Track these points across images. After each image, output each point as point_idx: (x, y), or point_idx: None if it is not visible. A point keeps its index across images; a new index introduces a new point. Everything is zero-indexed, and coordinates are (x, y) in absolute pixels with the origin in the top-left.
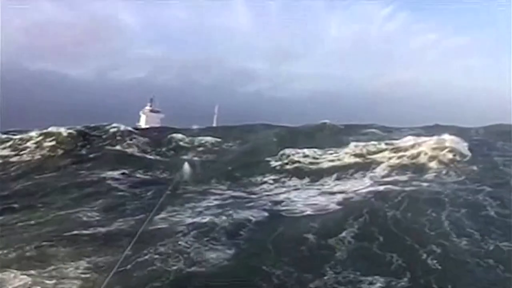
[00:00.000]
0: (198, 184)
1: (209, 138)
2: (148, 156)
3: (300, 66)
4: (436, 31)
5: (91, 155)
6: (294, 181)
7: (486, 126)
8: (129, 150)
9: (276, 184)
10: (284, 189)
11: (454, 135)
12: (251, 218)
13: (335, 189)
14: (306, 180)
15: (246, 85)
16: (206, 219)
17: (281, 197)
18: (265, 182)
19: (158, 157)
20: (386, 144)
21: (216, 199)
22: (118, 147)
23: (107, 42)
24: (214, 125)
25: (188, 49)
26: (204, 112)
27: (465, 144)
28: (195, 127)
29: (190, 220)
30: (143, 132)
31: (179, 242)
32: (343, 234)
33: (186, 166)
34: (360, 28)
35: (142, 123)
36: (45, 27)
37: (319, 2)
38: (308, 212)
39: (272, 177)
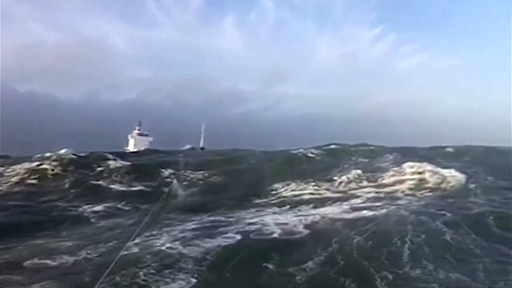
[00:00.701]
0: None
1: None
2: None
3: (290, 87)
4: (424, 52)
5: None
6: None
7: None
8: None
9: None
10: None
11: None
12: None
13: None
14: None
15: (236, 106)
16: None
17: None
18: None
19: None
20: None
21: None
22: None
23: (97, 64)
24: (201, 145)
25: (178, 70)
26: (194, 132)
27: None
28: (187, 146)
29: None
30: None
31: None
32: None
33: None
34: (349, 49)
35: (131, 147)
36: (35, 49)
37: (309, 24)
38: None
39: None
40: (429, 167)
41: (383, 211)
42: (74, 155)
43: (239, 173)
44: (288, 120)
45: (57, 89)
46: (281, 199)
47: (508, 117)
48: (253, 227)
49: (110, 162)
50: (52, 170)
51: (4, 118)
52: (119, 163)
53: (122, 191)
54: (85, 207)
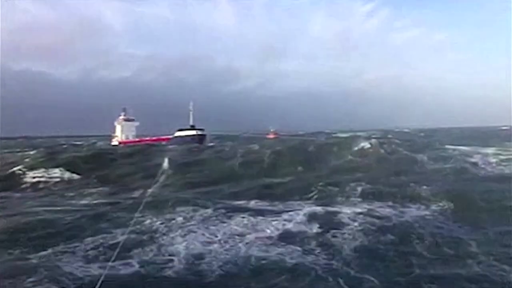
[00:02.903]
0: None
1: None
2: None
3: (285, 64)
4: (416, 28)
5: None
6: None
7: None
8: None
9: None
10: None
11: None
12: None
13: None
14: None
15: (232, 84)
16: None
17: None
18: None
19: None
20: None
21: None
22: None
23: (92, 42)
24: (191, 122)
25: (173, 48)
26: (187, 110)
27: None
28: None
29: None
30: None
31: None
32: None
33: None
34: (343, 24)
35: (118, 133)
36: (29, 27)
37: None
38: None
39: None
40: None
41: None
42: None
43: None
44: (284, 98)
45: (52, 67)
46: None
47: (500, 95)
48: None
49: None
50: None
51: None
52: None
53: None
54: None
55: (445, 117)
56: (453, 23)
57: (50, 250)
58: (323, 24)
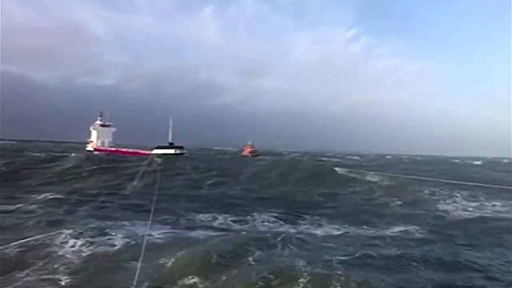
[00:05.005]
0: None
1: None
2: None
3: (267, 82)
4: (396, 56)
5: None
6: None
7: None
8: None
9: None
10: None
11: None
12: None
13: None
14: None
15: (214, 98)
16: None
17: None
18: None
19: None
20: None
21: None
22: None
23: (75, 48)
24: (170, 139)
25: (156, 58)
26: (167, 122)
27: None
28: None
29: None
30: None
31: None
32: None
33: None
34: (325, 48)
35: (93, 138)
36: (12, 30)
37: (287, 19)
38: None
39: None
40: None
41: None
42: None
43: None
44: (265, 116)
45: (33, 71)
46: None
47: (469, 125)
48: None
49: None
50: None
51: None
52: None
53: None
54: None
55: (412, 144)
56: (432, 53)
57: None
58: (306, 47)
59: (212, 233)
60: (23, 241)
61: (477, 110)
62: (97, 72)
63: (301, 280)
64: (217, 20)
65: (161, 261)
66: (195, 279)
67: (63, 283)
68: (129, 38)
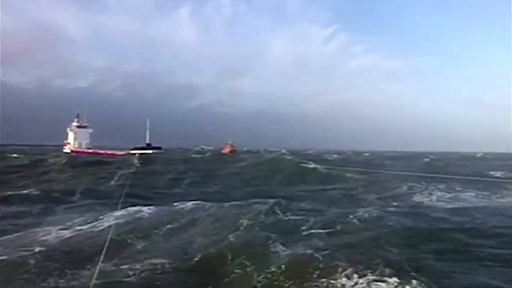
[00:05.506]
0: None
1: None
2: None
3: (245, 83)
4: (371, 54)
5: None
6: None
7: None
8: None
9: None
10: None
11: None
12: None
13: None
14: None
15: (191, 99)
16: None
17: None
18: None
19: None
20: None
21: None
22: None
23: (50, 51)
24: (147, 140)
25: (133, 60)
26: (144, 123)
27: None
28: None
29: None
30: None
31: None
32: None
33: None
34: (302, 47)
35: (71, 140)
36: None
37: (264, 19)
38: None
39: None
40: None
41: None
42: None
43: None
44: (243, 115)
45: (7, 74)
46: None
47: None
48: None
49: None
50: None
51: None
52: None
53: None
54: None
55: (389, 141)
56: (407, 52)
57: None
58: (282, 46)
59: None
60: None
61: (453, 107)
62: (73, 74)
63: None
64: (194, 20)
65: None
66: None
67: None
68: (105, 39)
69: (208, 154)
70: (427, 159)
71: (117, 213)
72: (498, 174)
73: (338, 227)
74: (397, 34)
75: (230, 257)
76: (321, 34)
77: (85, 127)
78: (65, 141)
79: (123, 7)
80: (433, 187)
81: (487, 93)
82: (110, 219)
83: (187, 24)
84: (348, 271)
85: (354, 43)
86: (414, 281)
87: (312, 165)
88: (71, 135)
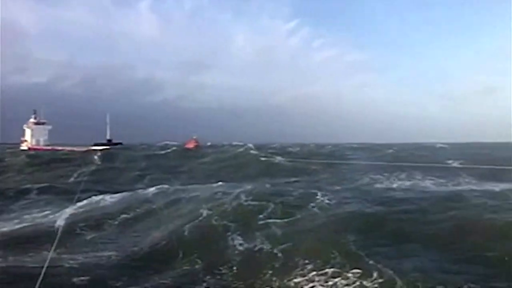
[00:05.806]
0: None
1: None
2: None
3: (207, 77)
4: (334, 47)
5: None
6: None
7: None
8: None
9: None
10: None
11: None
12: None
13: None
14: None
15: (153, 94)
16: None
17: None
18: None
19: None
20: None
21: None
22: None
23: (5, 46)
24: (108, 136)
25: (92, 55)
26: (104, 119)
27: None
28: None
29: None
30: None
31: None
32: None
33: None
34: (265, 41)
35: (28, 137)
36: None
37: (225, 13)
38: None
39: None
40: None
41: None
42: None
43: None
44: (206, 110)
45: None
46: None
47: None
48: None
49: None
50: None
51: None
52: None
53: None
54: None
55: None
56: (370, 45)
57: None
58: (245, 40)
59: None
60: None
61: (415, 99)
62: (29, 70)
63: None
64: (154, 14)
65: None
66: None
67: None
68: (62, 34)
69: (171, 149)
70: (390, 150)
71: (75, 205)
72: (455, 164)
73: (298, 216)
74: (358, 28)
75: (181, 253)
76: (284, 28)
77: (43, 123)
78: (22, 139)
79: (83, 0)
80: (394, 177)
81: (444, 85)
82: (67, 210)
83: (148, 17)
84: (306, 269)
85: (316, 37)
86: (375, 274)
87: (277, 160)
88: (28, 132)
